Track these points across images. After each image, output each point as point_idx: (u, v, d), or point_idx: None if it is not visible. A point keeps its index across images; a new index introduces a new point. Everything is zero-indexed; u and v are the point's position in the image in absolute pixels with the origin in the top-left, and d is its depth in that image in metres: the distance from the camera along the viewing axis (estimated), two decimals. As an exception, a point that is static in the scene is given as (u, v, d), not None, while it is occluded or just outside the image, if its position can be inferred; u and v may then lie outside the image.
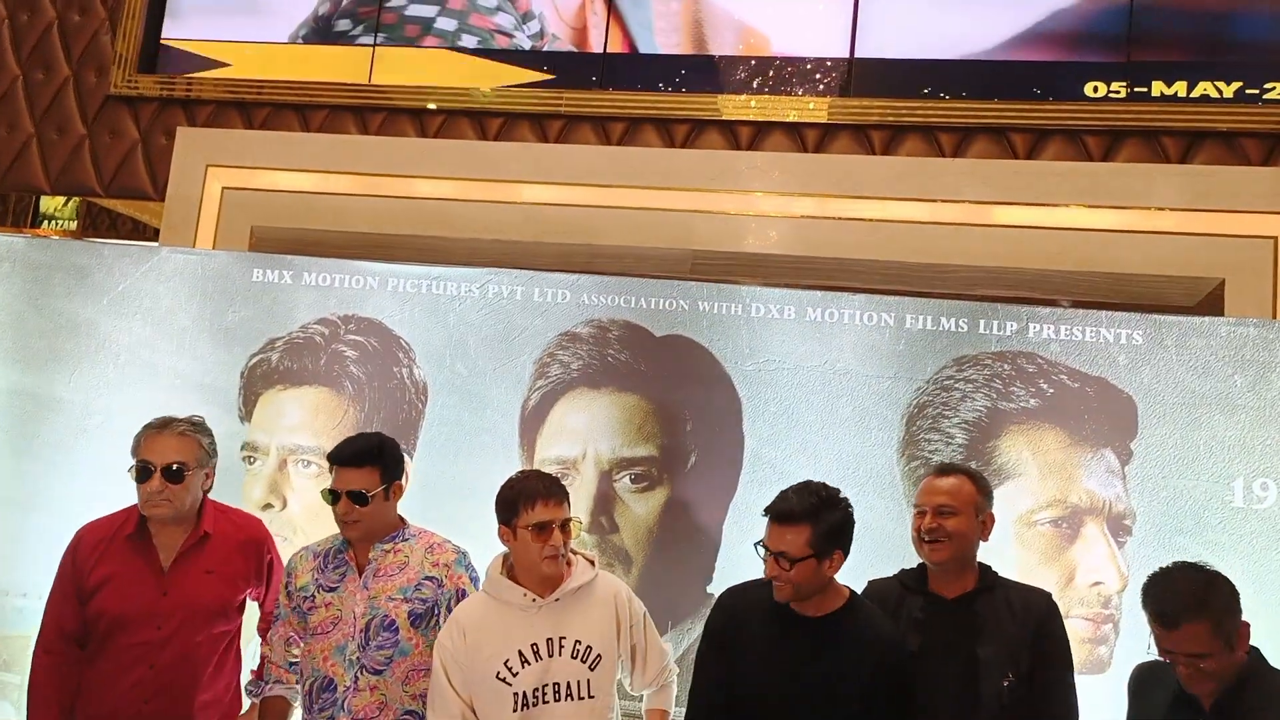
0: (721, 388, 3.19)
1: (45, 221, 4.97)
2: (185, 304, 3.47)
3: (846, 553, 2.21)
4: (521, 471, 2.46)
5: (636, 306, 3.28)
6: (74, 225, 4.97)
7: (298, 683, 2.58)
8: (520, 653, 2.28)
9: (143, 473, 2.50)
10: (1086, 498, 2.94)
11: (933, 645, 2.24)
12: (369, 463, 2.52)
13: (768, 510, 2.21)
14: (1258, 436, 2.86)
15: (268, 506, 3.24)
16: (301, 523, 2.93)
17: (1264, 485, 2.86)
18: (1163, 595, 2.01)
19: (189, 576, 2.52)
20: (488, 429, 3.28)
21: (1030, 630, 2.20)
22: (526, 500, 2.31)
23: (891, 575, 2.43)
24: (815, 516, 2.15)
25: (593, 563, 2.43)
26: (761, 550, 2.19)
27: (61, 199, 4.90)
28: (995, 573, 2.34)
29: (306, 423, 3.37)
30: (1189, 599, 1.96)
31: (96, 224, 4.99)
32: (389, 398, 3.35)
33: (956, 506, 2.28)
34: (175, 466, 2.50)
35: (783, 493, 2.23)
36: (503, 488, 2.39)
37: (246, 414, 3.37)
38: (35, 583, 3.36)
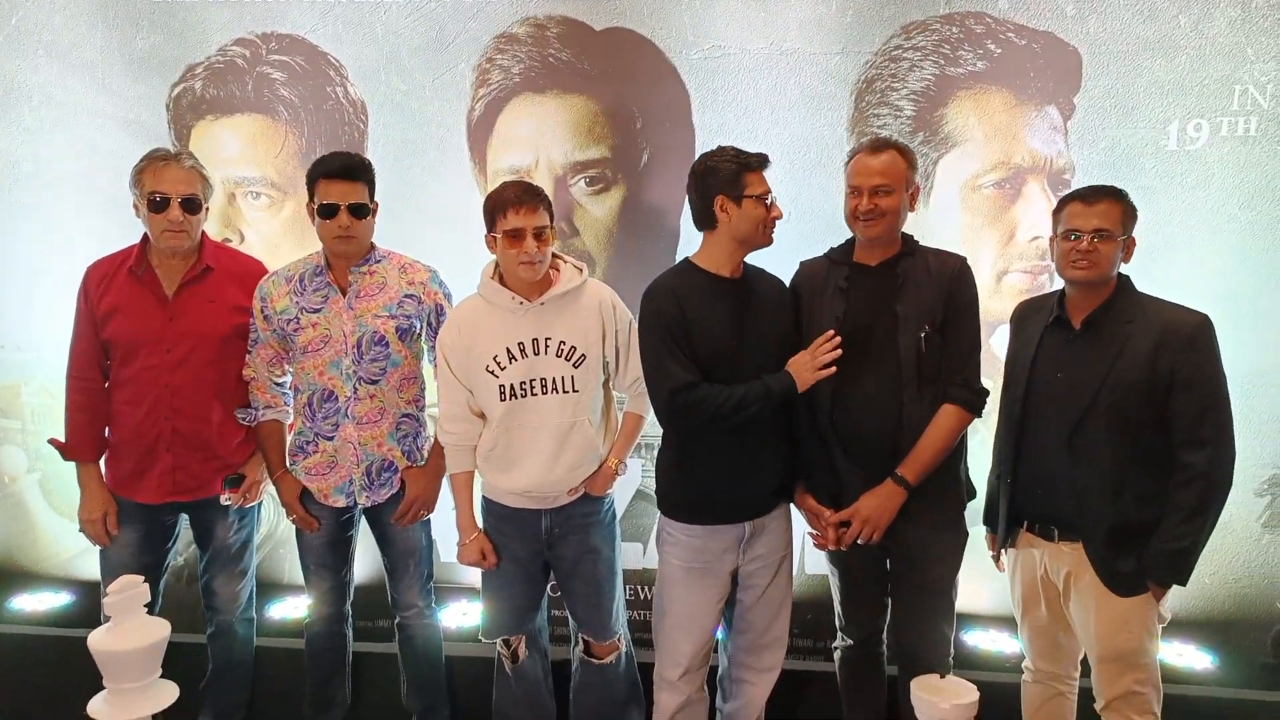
0: (668, 81, 3.12)
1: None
2: (89, 34, 3.23)
3: None
4: (505, 181, 2.46)
5: (572, -2, 3.13)
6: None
7: (285, 405, 2.72)
8: (508, 349, 2.42)
9: (160, 204, 2.49)
10: (1029, 157, 3.02)
11: (857, 306, 2.39)
12: (360, 176, 2.52)
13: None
14: (1195, 77, 2.91)
15: (225, 241, 3.22)
16: (259, 254, 2.93)
17: (1197, 126, 2.95)
18: (1084, 187, 2.32)
19: (192, 304, 2.60)
20: (435, 144, 3.22)
21: (944, 288, 2.36)
22: (500, 208, 2.36)
23: (820, 255, 2.53)
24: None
25: (581, 269, 2.50)
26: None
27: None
28: (915, 241, 2.45)
29: (246, 153, 3.27)
30: (1109, 188, 2.27)
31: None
32: (327, 120, 3.24)
33: (891, 184, 2.34)
34: (191, 197, 2.51)
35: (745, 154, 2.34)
36: (486, 197, 2.43)
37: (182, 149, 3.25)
38: (9, 334, 3.41)
